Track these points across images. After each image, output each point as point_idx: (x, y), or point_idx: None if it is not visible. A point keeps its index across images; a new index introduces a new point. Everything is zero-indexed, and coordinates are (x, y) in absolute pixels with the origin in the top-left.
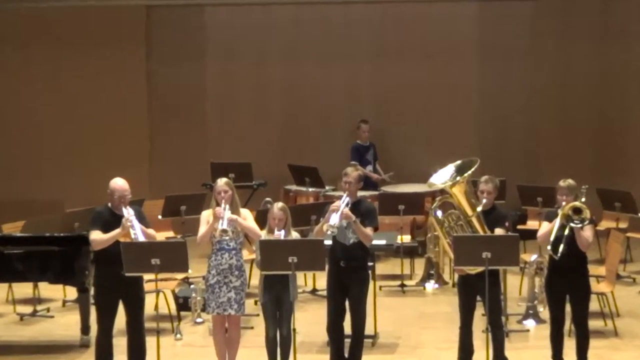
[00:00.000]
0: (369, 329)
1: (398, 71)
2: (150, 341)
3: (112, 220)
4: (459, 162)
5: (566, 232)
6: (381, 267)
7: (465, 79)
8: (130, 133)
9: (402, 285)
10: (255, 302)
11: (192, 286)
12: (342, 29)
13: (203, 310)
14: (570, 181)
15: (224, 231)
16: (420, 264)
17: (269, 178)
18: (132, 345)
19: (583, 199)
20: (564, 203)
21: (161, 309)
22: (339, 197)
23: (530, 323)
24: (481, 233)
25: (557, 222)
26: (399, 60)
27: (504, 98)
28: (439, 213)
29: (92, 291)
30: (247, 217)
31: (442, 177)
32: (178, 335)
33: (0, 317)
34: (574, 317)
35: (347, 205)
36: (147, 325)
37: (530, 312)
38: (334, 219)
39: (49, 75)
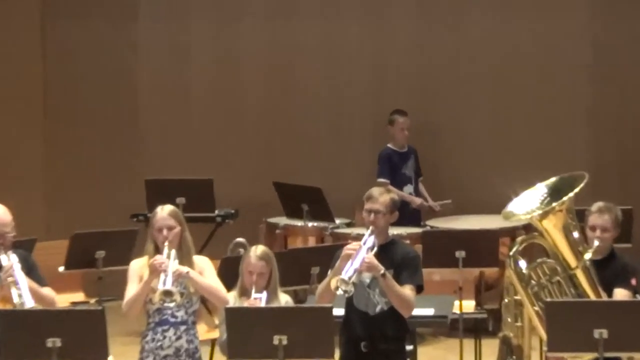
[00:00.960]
0: None
1: (451, 38)
2: None
3: None
4: (553, 179)
5: None
6: (427, 353)
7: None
8: (14, 130)
9: None
10: None
11: None
12: None
13: None
14: None
15: (168, 293)
16: (491, 347)
17: (241, 205)
18: None
19: None
20: None
21: None
22: (358, 237)
23: None
24: (591, 296)
25: None
26: (449, 24)
27: (625, 95)
28: (522, 264)
29: None
30: (204, 270)
31: (526, 203)
32: None
33: None
34: None
35: (371, 249)
36: None
37: None
38: (350, 271)
39: None
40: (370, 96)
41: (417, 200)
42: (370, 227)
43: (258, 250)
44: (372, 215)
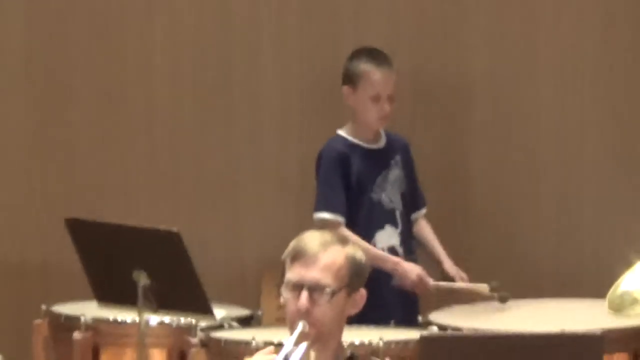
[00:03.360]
0: None
1: None
2: None
3: None
4: None
5: None
6: None
7: None
8: None
9: None
10: None
11: None
12: None
13: None
14: None
15: None
16: None
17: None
18: None
19: None
20: None
21: None
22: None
23: None
24: None
25: None
26: None
27: None
28: None
29: None
30: None
31: None
32: None
33: None
34: None
35: None
36: None
37: None
38: None
39: None
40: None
41: (410, 269)
42: (300, 324)
43: None
44: (304, 296)
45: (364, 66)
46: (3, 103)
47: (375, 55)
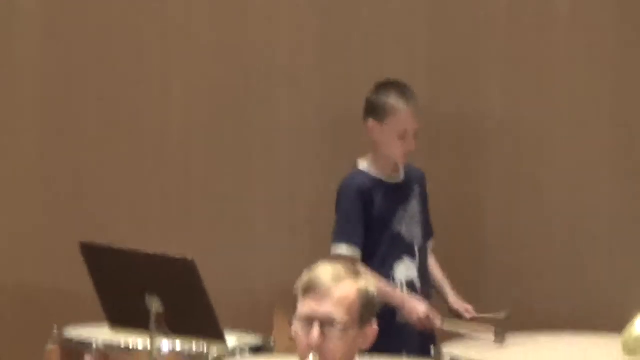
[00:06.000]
0: None
1: None
2: None
3: None
4: None
5: None
6: None
7: None
8: None
9: None
10: None
11: None
12: None
13: None
14: None
15: None
16: None
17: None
18: None
19: None
20: None
21: None
22: None
23: None
24: None
25: None
26: None
27: None
28: None
29: None
30: None
31: None
32: None
33: None
34: None
35: None
36: None
37: None
38: None
39: None
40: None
41: (416, 307)
42: (311, 357)
43: None
44: (316, 330)
45: (394, 102)
46: (17, 127)
47: (403, 90)
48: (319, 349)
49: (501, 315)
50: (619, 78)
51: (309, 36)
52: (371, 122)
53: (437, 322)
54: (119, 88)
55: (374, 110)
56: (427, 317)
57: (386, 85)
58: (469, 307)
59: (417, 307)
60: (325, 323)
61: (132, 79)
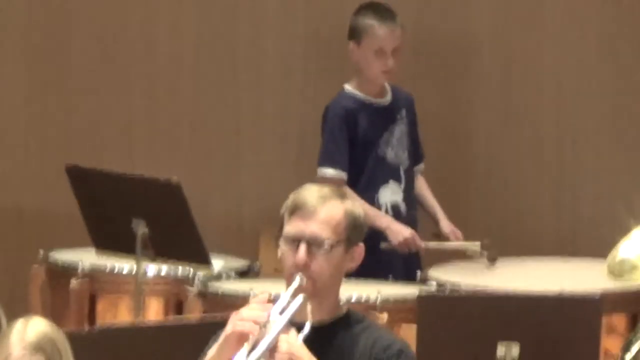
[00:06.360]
0: None
1: None
2: None
3: None
4: None
5: None
6: None
7: None
8: None
9: None
10: None
11: None
12: None
13: None
14: None
15: None
16: None
17: None
18: None
19: None
20: None
21: None
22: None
23: None
24: None
25: None
26: None
27: None
28: None
29: None
30: None
31: None
32: None
33: None
34: None
35: (298, 329)
36: None
37: None
38: None
39: None
40: None
41: (401, 230)
42: (297, 277)
43: (28, 330)
44: (302, 249)
45: (368, 21)
46: (2, 53)
47: (379, 9)
48: (306, 269)
49: (485, 242)
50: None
51: None
52: (351, 45)
53: (421, 244)
54: (107, 6)
55: (352, 33)
56: (412, 239)
57: (364, 7)
58: (459, 233)
59: (402, 230)
60: (312, 243)
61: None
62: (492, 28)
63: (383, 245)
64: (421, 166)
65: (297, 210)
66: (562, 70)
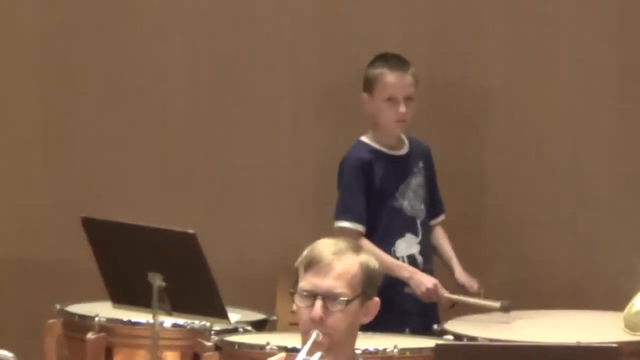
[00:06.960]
0: None
1: None
2: None
3: None
4: None
5: None
6: None
7: None
8: None
9: None
10: None
11: None
12: None
13: None
14: None
15: None
16: None
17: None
18: None
19: None
20: None
21: None
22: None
23: None
24: None
25: None
26: None
27: None
28: None
29: None
30: None
31: None
32: None
33: None
34: None
35: None
36: None
37: None
38: None
39: None
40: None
41: (425, 280)
42: (313, 333)
43: None
44: (318, 305)
45: (379, 70)
46: (20, 100)
47: (390, 59)
48: (322, 324)
49: (504, 303)
50: (621, 40)
51: (309, 5)
52: (364, 96)
53: (443, 295)
54: (122, 55)
55: (365, 84)
56: (435, 290)
57: (376, 58)
58: (475, 284)
59: (425, 280)
60: (328, 298)
61: (134, 44)
62: (507, 77)
63: (407, 289)
64: (440, 218)
65: (312, 265)
66: (578, 121)
